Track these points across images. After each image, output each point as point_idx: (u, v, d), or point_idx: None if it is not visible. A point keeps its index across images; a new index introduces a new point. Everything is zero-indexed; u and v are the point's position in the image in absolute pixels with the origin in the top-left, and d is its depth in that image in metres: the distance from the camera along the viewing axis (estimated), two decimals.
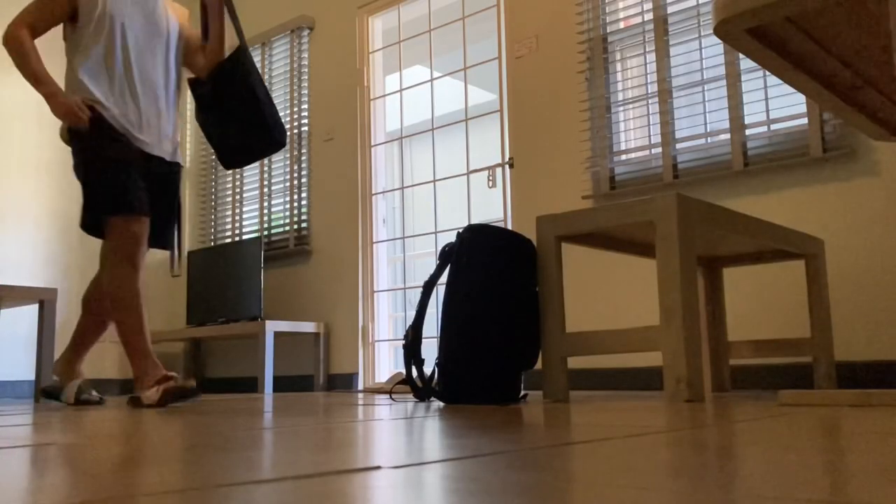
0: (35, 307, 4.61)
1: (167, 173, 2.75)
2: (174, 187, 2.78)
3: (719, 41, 3.29)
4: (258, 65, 5.25)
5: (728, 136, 3.22)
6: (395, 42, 4.70)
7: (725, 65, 3.25)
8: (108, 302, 2.57)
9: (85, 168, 2.59)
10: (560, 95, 3.79)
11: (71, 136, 2.60)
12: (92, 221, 2.60)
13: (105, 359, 4.95)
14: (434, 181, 4.54)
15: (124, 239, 2.53)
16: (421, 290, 2.42)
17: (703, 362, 2.10)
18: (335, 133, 4.74)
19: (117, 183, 2.56)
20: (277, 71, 5.14)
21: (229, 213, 5.33)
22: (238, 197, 5.26)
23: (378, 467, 0.73)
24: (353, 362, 4.47)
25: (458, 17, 4.44)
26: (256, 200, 5.15)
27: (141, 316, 2.53)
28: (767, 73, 2.90)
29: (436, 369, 2.33)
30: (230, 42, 2.74)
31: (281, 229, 4.97)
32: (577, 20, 3.74)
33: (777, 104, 3.12)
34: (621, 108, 3.60)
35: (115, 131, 2.59)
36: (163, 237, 2.77)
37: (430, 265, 4.72)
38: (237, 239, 5.23)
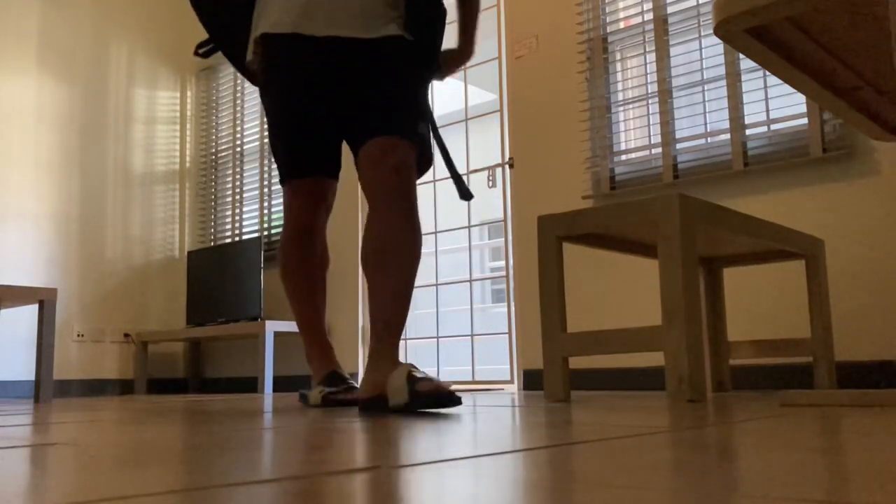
0: (35, 307, 4.61)
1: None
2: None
3: (719, 41, 3.29)
4: None
5: (728, 136, 3.22)
6: None
7: (725, 65, 3.25)
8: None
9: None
10: (560, 95, 3.79)
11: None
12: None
13: (105, 358, 4.95)
14: (434, 181, 4.54)
15: (285, 206, 2.26)
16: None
17: (704, 362, 2.10)
18: None
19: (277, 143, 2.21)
20: None
21: (229, 213, 5.33)
22: (238, 197, 5.26)
23: (378, 467, 0.73)
24: (354, 362, 4.46)
25: None
26: (256, 200, 5.15)
27: (304, 299, 2.23)
28: (767, 73, 2.90)
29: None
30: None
31: (281, 229, 4.96)
32: (577, 20, 3.74)
33: (777, 104, 3.12)
34: (621, 108, 3.60)
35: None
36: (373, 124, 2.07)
37: (431, 265, 4.73)
38: (237, 239, 5.23)
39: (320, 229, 2.27)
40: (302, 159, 2.18)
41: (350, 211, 4.60)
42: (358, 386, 2.08)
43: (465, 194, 2.12)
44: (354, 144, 2.13)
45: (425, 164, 2.12)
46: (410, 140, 2.04)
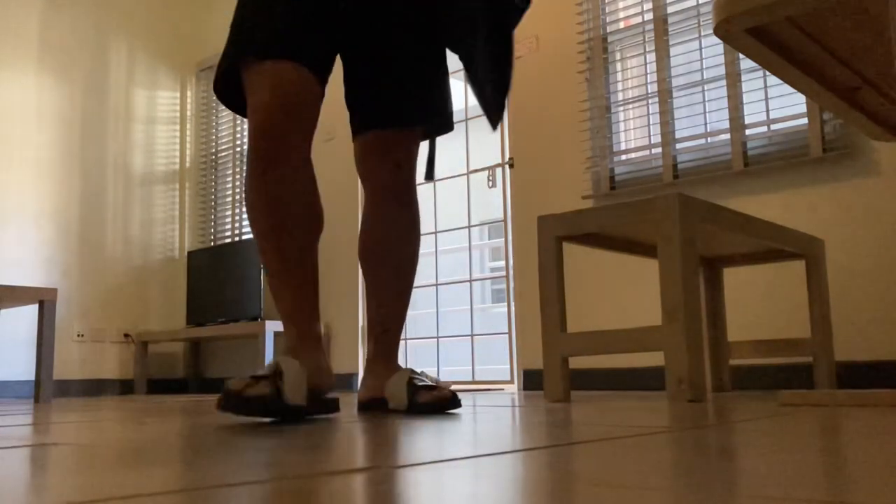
0: (35, 307, 4.61)
1: None
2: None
3: (719, 41, 3.29)
4: None
5: (728, 136, 3.22)
6: None
7: (725, 65, 3.25)
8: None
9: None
10: (560, 95, 3.79)
11: None
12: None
13: (105, 358, 4.95)
14: (434, 181, 4.54)
15: (250, 104, 1.61)
16: None
17: (704, 362, 2.10)
18: (336, 133, 4.74)
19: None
20: None
21: (229, 213, 5.33)
22: (238, 197, 5.26)
23: (377, 467, 0.73)
24: (353, 362, 4.47)
25: None
26: None
27: (279, 240, 1.59)
28: (767, 73, 2.90)
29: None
30: None
31: None
32: (577, 20, 3.74)
33: (777, 104, 3.12)
34: (621, 108, 3.60)
35: None
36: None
37: (430, 265, 4.73)
38: (237, 239, 5.23)
39: (300, 156, 1.64)
40: (283, 26, 1.57)
41: (350, 209, 4.60)
42: (280, 381, 1.47)
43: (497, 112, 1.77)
44: (353, 110, 1.81)
45: (445, 129, 1.92)
46: (423, 125, 1.82)
